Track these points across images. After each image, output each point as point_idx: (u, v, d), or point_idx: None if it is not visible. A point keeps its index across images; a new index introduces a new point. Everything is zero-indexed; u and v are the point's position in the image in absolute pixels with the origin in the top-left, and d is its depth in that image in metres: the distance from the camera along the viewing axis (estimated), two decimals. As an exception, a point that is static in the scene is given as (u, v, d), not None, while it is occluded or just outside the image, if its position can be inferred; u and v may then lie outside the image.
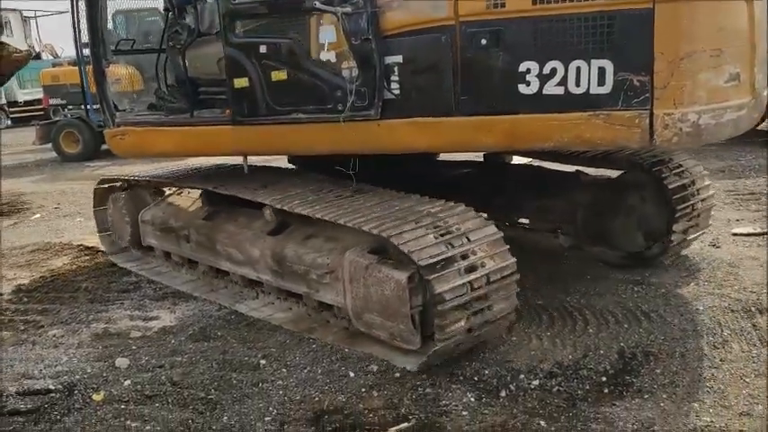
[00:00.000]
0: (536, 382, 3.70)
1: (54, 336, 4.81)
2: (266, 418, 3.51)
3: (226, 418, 3.54)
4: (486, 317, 3.83)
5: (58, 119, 16.77)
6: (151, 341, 4.62)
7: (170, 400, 3.76)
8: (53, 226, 8.58)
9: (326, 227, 4.44)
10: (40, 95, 22.13)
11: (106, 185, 6.73)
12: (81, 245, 7.30)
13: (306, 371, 4.01)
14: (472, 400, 3.58)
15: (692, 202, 5.13)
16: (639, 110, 3.48)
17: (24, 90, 26.97)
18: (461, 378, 3.81)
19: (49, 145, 15.66)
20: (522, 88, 3.74)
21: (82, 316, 5.16)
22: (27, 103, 27.13)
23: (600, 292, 4.93)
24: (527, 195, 5.81)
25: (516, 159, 6.43)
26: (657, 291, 4.90)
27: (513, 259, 3.91)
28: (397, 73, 4.13)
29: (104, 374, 4.13)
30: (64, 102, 17.45)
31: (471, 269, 3.75)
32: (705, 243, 5.85)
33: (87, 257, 6.82)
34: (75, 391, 3.93)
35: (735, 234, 6.10)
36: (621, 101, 3.51)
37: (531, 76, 3.71)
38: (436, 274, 3.63)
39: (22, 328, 5.01)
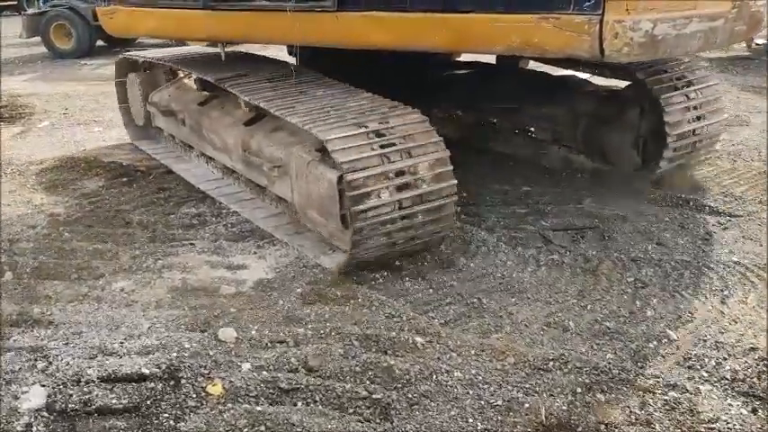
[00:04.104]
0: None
1: (122, 290, 3.76)
2: (470, 436, 2.57)
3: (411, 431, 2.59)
4: (410, 195, 3.63)
5: (36, 10, 14.86)
6: (252, 302, 3.60)
7: (317, 399, 2.78)
8: (68, 136, 7.32)
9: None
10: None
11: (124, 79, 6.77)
12: (113, 161, 6.13)
13: (484, 356, 3.04)
14: (744, 412, 2.66)
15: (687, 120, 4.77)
16: (590, 15, 3.20)
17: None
18: (702, 371, 2.88)
19: (38, 39, 14.01)
20: None
21: (148, 261, 4.10)
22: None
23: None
24: (530, 102, 5.69)
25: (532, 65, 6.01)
26: None
27: (439, 138, 3.80)
28: None
29: (209, 352, 3.12)
30: (49, -11, 15.52)
31: (387, 145, 3.68)
32: None
33: (125, 179, 5.66)
34: (182, 380, 2.93)
35: None
36: (573, 4, 3.24)
37: None
38: (342, 147, 3.59)
39: (76, 276, 3.94)
